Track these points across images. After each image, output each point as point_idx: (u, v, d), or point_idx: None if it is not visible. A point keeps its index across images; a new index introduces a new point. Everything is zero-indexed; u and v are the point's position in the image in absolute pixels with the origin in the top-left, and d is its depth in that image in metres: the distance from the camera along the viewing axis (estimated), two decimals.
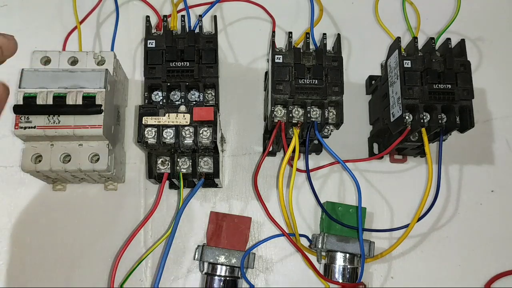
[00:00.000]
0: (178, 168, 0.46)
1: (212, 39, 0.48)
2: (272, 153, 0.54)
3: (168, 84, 0.47)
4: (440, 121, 0.46)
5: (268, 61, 0.54)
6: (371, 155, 0.55)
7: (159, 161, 0.46)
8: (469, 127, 0.45)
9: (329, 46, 0.47)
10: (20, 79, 0.45)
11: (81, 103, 0.44)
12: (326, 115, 0.44)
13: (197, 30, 0.48)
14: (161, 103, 0.47)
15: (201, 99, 0.47)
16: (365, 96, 0.58)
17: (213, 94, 0.49)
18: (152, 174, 0.46)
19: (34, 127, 0.44)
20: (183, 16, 0.49)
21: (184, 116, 0.42)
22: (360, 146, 0.55)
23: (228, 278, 0.47)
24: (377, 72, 0.57)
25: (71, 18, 0.58)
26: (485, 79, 0.58)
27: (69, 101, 0.44)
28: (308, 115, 0.44)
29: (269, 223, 0.51)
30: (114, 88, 0.49)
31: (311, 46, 0.47)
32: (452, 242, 0.52)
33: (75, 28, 0.57)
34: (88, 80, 0.46)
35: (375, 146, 0.55)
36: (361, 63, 0.59)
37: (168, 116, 0.42)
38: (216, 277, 0.47)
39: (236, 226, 0.50)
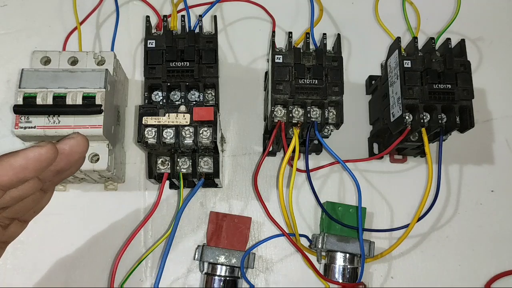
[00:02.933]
0: (178, 168, 0.46)
1: (212, 39, 0.48)
2: (272, 153, 0.54)
3: (168, 84, 0.47)
4: (440, 121, 0.46)
5: (268, 61, 0.54)
6: (371, 155, 0.55)
7: (159, 161, 0.46)
8: (469, 127, 0.45)
9: (329, 46, 0.47)
10: (20, 79, 0.45)
11: (81, 103, 0.44)
12: (326, 115, 0.44)
13: (197, 30, 0.48)
14: (161, 103, 0.47)
15: (201, 99, 0.47)
16: (365, 96, 0.58)
17: (213, 94, 0.49)
18: (152, 174, 0.46)
19: (34, 127, 0.44)
20: (183, 16, 0.49)
21: (184, 116, 0.42)
22: (360, 146, 0.55)
23: (228, 278, 0.47)
24: (377, 72, 0.57)
25: (71, 18, 0.58)
26: (485, 79, 0.58)
27: (69, 101, 0.44)
28: (308, 115, 0.44)
29: (269, 223, 0.52)
30: (114, 88, 0.49)
31: (311, 46, 0.47)
32: (452, 242, 0.52)
33: (75, 28, 0.57)
34: (88, 80, 0.46)
35: (375, 146, 0.55)
36: (361, 63, 0.59)
37: (168, 116, 0.42)
38: (216, 277, 0.47)
39: (236, 226, 0.50)
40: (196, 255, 0.49)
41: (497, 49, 0.60)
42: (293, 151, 0.45)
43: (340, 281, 0.48)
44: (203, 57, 0.47)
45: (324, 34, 0.46)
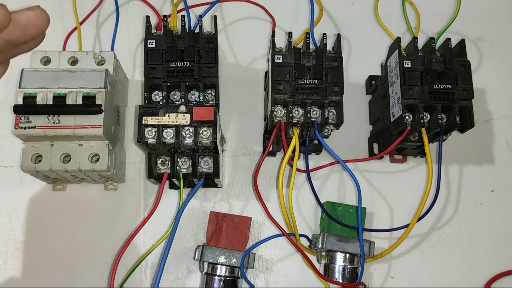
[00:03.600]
0: (178, 168, 0.46)
1: (212, 39, 0.48)
2: (272, 153, 0.54)
3: (168, 84, 0.47)
4: (440, 121, 0.46)
5: (268, 61, 0.54)
6: (371, 155, 0.55)
7: (159, 161, 0.46)
8: (469, 127, 0.45)
9: (329, 46, 0.47)
10: (20, 79, 0.45)
11: (81, 103, 0.44)
12: (326, 115, 0.44)
13: (197, 30, 0.48)
14: (161, 103, 0.47)
15: (201, 99, 0.47)
16: (365, 96, 0.58)
17: (213, 94, 0.49)
18: (152, 174, 0.46)
19: (34, 127, 0.44)
20: (183, 16, 0.49)
21: (184, 116, 0.42)
22: (360, 146, 0.55)
23: (228, 278, 0.47)
24: (377, 72, 0.57)
25: (71, 18, 0.58)
26: (485, 79, 0.58)
27: (69, 101, 0.44)
28: (308, 115, 0.44)
29: (269, 223, 0.51)
30: (114, 88, 0.49)
31: (311, 46, 0.47)
32: (452, 242, 0.52)
33: (75, 28, 0.57)
34: (88, 80, 0.46)
35: (375, 146, 0.55)
36: (361, 63, 0.59)
37: (168, 116, 0.42)
38: (216, 277, 0.47)
39: (236, 226, 0.50)
40: (196, 255, 0.49)
41: (497, 49, 0.60)
42: (293, 151, 0.45)
43: (340, 281, 0.48)
44: (203, 57, 0.47)
45: (324, 34, 0.46)
